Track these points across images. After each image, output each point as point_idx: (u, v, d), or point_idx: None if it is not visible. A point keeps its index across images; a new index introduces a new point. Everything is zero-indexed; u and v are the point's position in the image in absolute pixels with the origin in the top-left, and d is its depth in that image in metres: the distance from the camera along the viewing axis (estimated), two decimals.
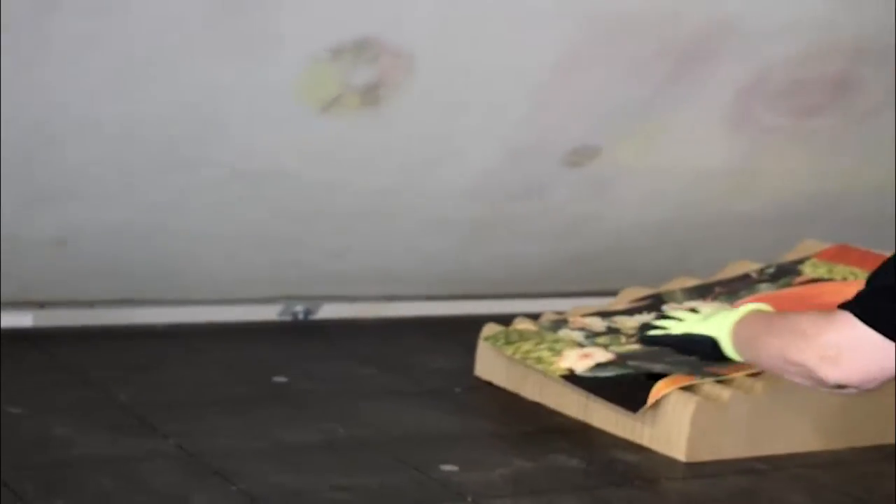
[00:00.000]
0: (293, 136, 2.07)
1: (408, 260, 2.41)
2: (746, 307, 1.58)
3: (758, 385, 1.82)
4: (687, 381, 1.83)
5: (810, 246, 2.37)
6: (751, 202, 2.49)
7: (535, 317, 2.21)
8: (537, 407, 1.99)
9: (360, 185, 2.21)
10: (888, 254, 2.30)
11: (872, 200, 2.58)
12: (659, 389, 1.82)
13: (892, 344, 1.26)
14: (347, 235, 2.30)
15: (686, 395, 1.79)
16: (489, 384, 2.10)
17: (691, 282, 2.29)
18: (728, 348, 1.56)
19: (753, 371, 1.84)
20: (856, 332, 1.28)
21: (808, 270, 2.28)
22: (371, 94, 1.99)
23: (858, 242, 2.37)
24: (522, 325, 2.14)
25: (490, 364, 2.12)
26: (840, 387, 1.31)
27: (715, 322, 1.65)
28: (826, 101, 2.36)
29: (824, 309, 2.09)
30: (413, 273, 2.44)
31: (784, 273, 2.29)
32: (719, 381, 1.84)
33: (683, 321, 1.77)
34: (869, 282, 1.33)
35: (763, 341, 1.44)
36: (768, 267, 2.33)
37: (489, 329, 2.14)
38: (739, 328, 1.53)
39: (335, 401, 1.96)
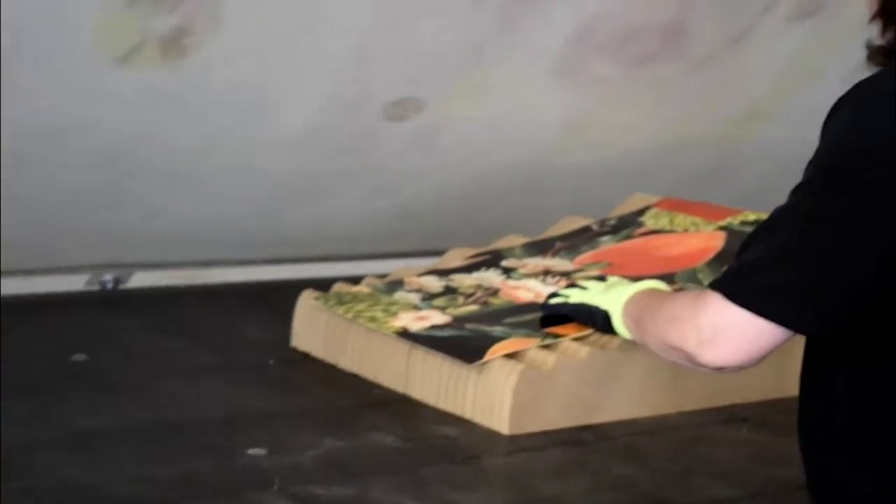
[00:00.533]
0: (91, 90, 1.91)
1: (222, 222, 2.27)
2: (642, 283, 1.51)
3: (583, 350, 1.73)
4: (527, 344, 1.74)
5: (638, 200, 2.30)
6: (583, 155, 2.40)
7: (357, 279, 2.10)
8: (355, 379, 1.89)
9: (169, 143, 2.06)
10: (729, 206, 2.28)
11: (708, 153, 2.52)
12: (498, 348, 1.73)
13: (765, 321, 1.19)
14: (158, 197, 2.16)
15: (509, 364, 1.70)
16: (306, 356, 1.99)
17: (523, 239, 2.20)
18: (619, 325, 1.49)
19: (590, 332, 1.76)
20: (727, 313, 1.20)
21: (649, 222, 2.21)
22: (174, 44, 1.84)
23: (693, 197, 2.31)
24: (355, 288, 2.03)
25: (307, 334, 2.00)
26: (721, 368, 1.24)
27: (611, 295, 1.57)
28: (659, 48, 2.28)
29: (665, 263, 2.05)
30: (229, 236, 2.31)
31: (625, 225, 2.21)
32: (544, 347, 1.75)
33: (586, 290, 1.67)
34: (737, 254, 1.25)
35: (647, 323, 1.37)
36: (609, 219, 2.26)
37: (310, 294, 2.03)
38: (629, 306, 1.46)
39: (138, 380, 1.83)
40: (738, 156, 2.64)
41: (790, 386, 1.90)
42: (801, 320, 1.19)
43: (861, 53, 2.55)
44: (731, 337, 1.22)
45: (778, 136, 2.61)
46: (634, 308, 1.47)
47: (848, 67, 2.52)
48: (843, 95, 1.23)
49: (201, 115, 2.04)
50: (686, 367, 1.29)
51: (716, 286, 1.23)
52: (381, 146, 2.21)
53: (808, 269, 1.17)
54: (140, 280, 2.33)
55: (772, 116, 2.56)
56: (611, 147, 2.46)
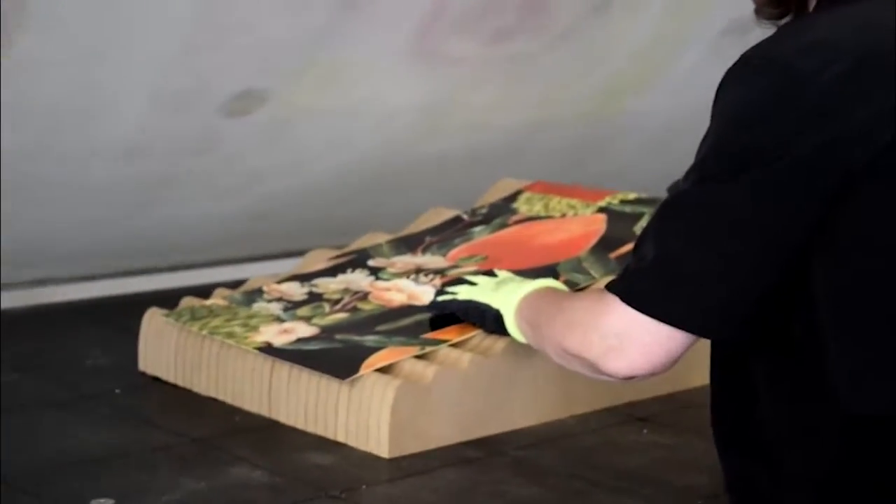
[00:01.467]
0: None
1: (54, 237, 2.05)
2: (537, 282, 1.40)
3: (465, 358, 1.56)
4: (404, 354, 1.57)
5: (507, 186, 2.14)
6: (443, 142, 2.23)
7: (210, 288, 1.91)
8: (213, 405, 1.69)
9: None
10: (602, 184, 2.12)
11: (575, 131, 2.36)
12: (376, 359, 1.55)
13: (668, 326, 1.07)
14: None
15: (384, 379, 1.52)
16: (156, 380, 1.79)
17: (388, 235, 2.02)
18: (511, 327, 1.41)
19: (473, 333, 1.59)
20: (627, 317, 1.09)
21: (523, 208, 2.05)
22: None
23: (565, 178, 2.16)
24: (209, 301, 1.83)
25: (156, 355, 1.80)
26: (630, 377, 1.11)
27: (503, 293, 1.47)
28: (517, 23, 2.11)
29: (546, 252, 1.89)
30: (62, 251, 2.08)
31: (497, 213, 2.04)
32: (421, 357, 1.58)
33: (476, 286, 1.53)
34: (634, 250, 1.12)
35: (543, 328, 1.27)
36: (480, 208, 2.09)
37: (157, 311, 1.82)
38: (524, 307, 1.38)
39: None
40: (607, 132, 2.50)
41: (687, 378, 1.77)
42: (707, 325, 1.09)
43: (724, 17, 2.42)
44: (637, 343, 1.12)
45: (646, 108, 2.48)
46: (529, 310, 1.36)
47: (713, 33, 2.41)
48: (734, 66, 1.10)
49: (17, 121, 1.81)
50: (588, 375, 1.17)
51: (613, 288, 1.11)
52: (224, 145, 2.01)
53: (707, 268, 1.07)
54: None
55: (639, 89, 2.43)
56: (474, 131, 2.30)
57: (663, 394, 1.73)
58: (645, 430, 1.60)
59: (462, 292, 1.58)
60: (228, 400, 1.69)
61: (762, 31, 2.44)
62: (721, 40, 2.37)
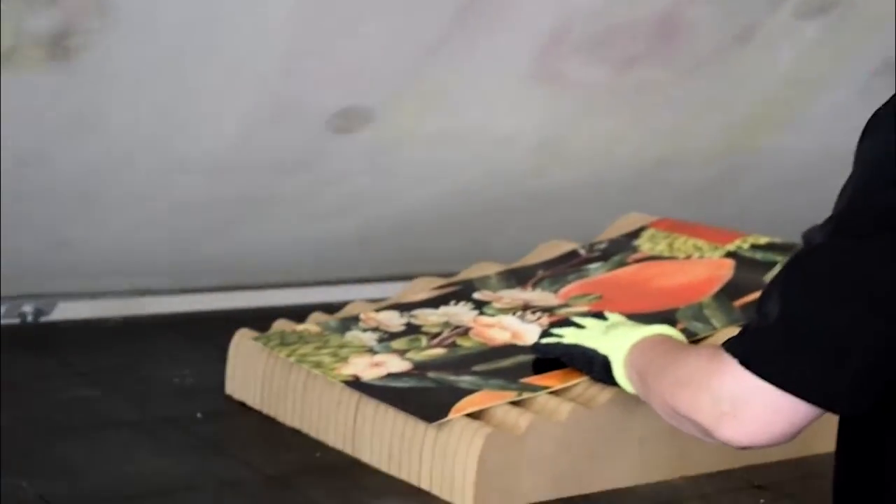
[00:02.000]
0: None
1: (149, 248, 1.97)
2: (651, 328, 1.29)
3: (564, 408, 1.43)
4: (499, 399, 1.44)
5: (631, 221, 1.99)
6: (560, 173, 2.09)
7: (305, 310, 1.80)
8: (296, 437, 1.58)
9: (70, 160, 1.76)
10: (730, 224, 1.97)
11: (705, 167, 2.21)
12: (468, 403, 1.43)
13: (790, 395, 0.97)
14: (66, 223, 1.85)
15: (474, 425, 1.40)
16: (242, 405, 1.69)
17: (499, 267, 1.90)
18: (620, 376, 1.30)
19: (578, 380, 1.46)
20: (745, 382, 0.99)
21: (645, 246, 1.90)
22: (59, 45, 1.53)
23: (691, 217, 2.01)
24: (301, 326, 1.73)
25: (243, 380, 1.70)
26: (746, 447, 0.99)
27: (613, 338, 1.36)
28: (646, 49, 1.96)
29: (665, 296, 1.76)
30: (157, 265, 2.00)
31: (618, 249, 1.90)
32: (517, 404, 1.45)
33: (584, 329, 1.42)
34: (758, 307, 1.00)
35: (652, 382, 1.17)
36: (598, 242, 1.95)
37: (247, 333, 1.73)
38: (634, 355, 1.28)
39: (32, 440, 1.52)
40: (739, 170, 2.34)
41: (814, 443, 1.61)
42: (834, 397, 0.97)
43: (876, 57, 2.23)
44: (753, 411, 1.00)
45: (783, 147, 2.31)
46: (640, 358, 1.24)
47: (862, 72, 2.23)
48: (881, 110, 0.97)
49: (101, 129, 1.73)
50: (699, 438, 1.04)
51: (731, 348, 0.98)
52: (325, 164, 1.90)
53: (838, 333, 0.95)
54: (63, 311, 2.03)
55: (776, 126, 2.26)
56: (594, 163, 2.16)
57: (789, 458, 1.57)
58: (762, 501, 1.44)
59: (569, 335, 1.46)
60: (312, 433, 1.58)
61: None
62: (871, 80, 2.21)
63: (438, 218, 2.07)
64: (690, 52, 2.02)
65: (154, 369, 1.82)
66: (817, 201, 2.53)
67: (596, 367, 1.37)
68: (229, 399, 1.70)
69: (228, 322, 1.83)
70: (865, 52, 2.20)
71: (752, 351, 0.98)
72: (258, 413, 1.66)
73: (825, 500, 1.45)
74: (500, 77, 1.89)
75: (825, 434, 1.60)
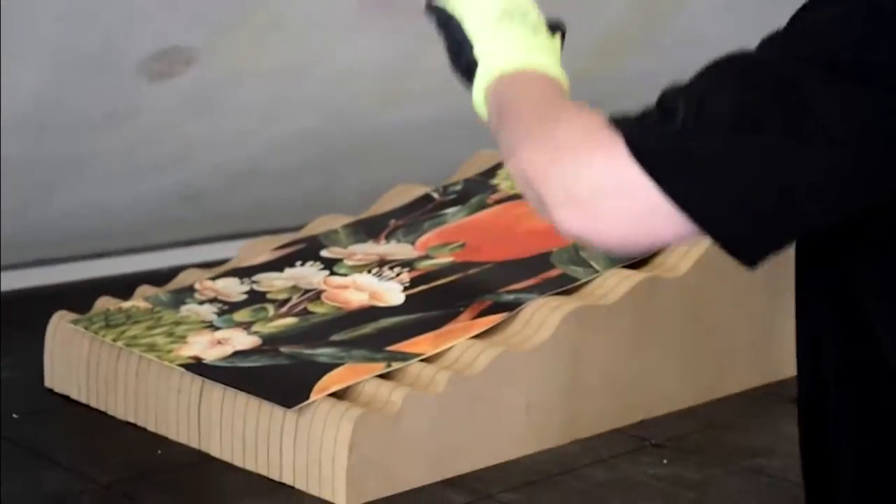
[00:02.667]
0: None
1: None
2: (545, 64, 0.97)
3: (440, 378, 1.25)
4: (366, 373, 1.25)
5: (485, 158, 1.82)
6: (407, 109, 1.89)
7: (135, 279, 1.59)
8: (132, 433, 1.37)
9: None
10: None
11: None
12: (330, 380, 1.24)
13: (671, 201, 0.76)
14: None
15: (341, 407, 1.21)
16: (66, 400, 1.47)
17: (345, 219, 1.71)
18: (478, 92, 0.98)
19: (451, 343, 1.29)
20: (624, 173, 0.78)
21: (504, 184, 1.72)
22: None
23: None
24: (128, 303, 1.52)
25: (64, 370, 1.48)
26: (581, 238, 0.80)
27: (497, 43, 0.99)
28: None
29: (535, 239, 1.57)
30: None
31: (475, 191, 1.72)
32: (385, 377, 1.26)
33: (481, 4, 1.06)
34: (663, 100, 0.80)
35: (509, 124, 0.91)
36: (453, 184, 1.76)
37: (65, 316, 1.50)
38: (505, 83, 0.96)
39: None
40: (597, 96, 2.17)
41: (708, 389, 1.48)
42: (735, 229, 0.78)
43: None
44: (618, 205, 0.79)
45: (646, 68, 2.16)
46: (508, 90, 0.94)
47: None
48: None
49: None
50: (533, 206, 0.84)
51: (624, 130, 0.78)
52: (143, 114, 1.66)
53: (773, 148, 0.76)
54: None
55: (636, 48, 2.11)
56: (442, 96, 1.96)
57: (682, 409, 1.43)
58: (665, 461, 1.29)
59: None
60: (150, 427, 1.38)
61: None
62: None
63: (275, 165, 1.86)
64: None
65: None
66: None
67: (461, 62, 1.03)
68: (51, 393, 1.48)
69: (49, 301, 1.61)
70: None
71: (649, 143, 0.77)
72: (85, 407, 1.44)
73: (731, 453, 1.31)
74: (335, 6, 1.69)
75: (715, 382, 1.48)
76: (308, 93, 1.79)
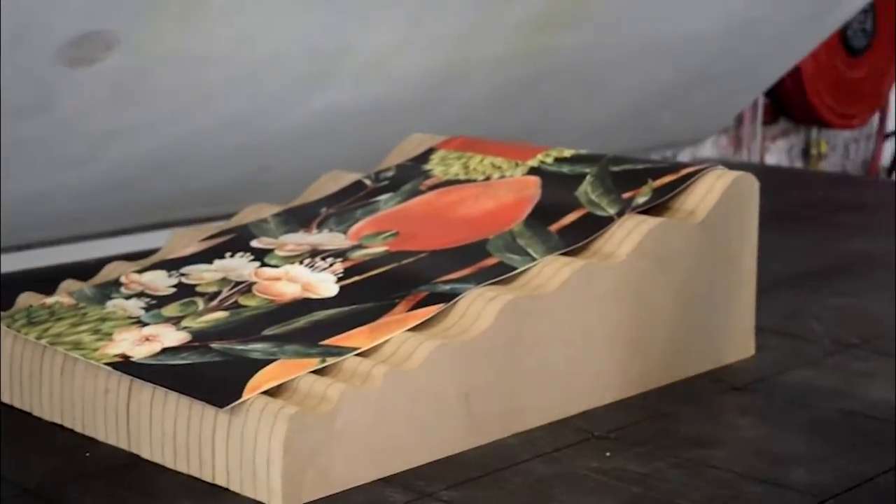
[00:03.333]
0: None
1: None
2: None
3: (377, 371, 1.21)
4: (302, 368, 1.22)
5: (417, 143, 1.78)
6: (333, 94, 1.85)
7: (55, 273, 1.54)
8: (58, 435, 1.33)
9: None
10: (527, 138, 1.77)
11: (494, 76, 2.00)
12: (263, 377, 1.20)
13: None
14: None
15: (274, 406, 1.17)
16: None
17: (275, 207, 1.67)
18: None
19: (388, 336, 1.26)
20: None
21: (437, 170, 1.69)
22: None
23: (484, 133, 1.81)
24: (52, 299, 1.47)
25: None
26: None
27: None
28: None
29: (471, 227, 1.54)
30: None
31: (407, 177, 1.68)
32: (320, 372, 1.23)
33: None
34: None
35: None
36: (385, 170, 1.72)
37: None
38: None
39: None
40: (531, 76, 2.15)
41: (645, 379, 1.46)
42: None
43: None
44: None
45: (574, 45, 2.13)
46: None
47: None
48: None
49: None
50: None
51: None
52: (64, 101, 1.61)
53: None
54: None
55: (563, 25, 2.08)
56: (374, 80, 1.93)
57: (624, 398, 1.41)
58: (608, 454, 1.27)
59: None
60: (78, 428, 1.33)
61: None
62: None
63: (200, 153, 1.80)
64: None
65: None
66: (621, 104, 2.38)
67: None
68: None
69: None
70: None
71: None
72: (8, 408, 1.39)
73: (676, 445, 1.29)
74: None
75: (658, 371, 1.45)
76: (235, 77, 1.74)
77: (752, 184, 1.53)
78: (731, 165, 1.59)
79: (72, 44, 1.52)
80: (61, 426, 1.34)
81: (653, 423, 1.35)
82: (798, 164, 4.25)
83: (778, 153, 4.15)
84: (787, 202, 2.45)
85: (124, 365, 1.28)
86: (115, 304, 1.43)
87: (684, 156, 3.04)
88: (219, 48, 1.69)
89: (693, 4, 2.16)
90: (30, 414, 1.38)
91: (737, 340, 1.55)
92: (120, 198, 1.83)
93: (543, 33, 2.00)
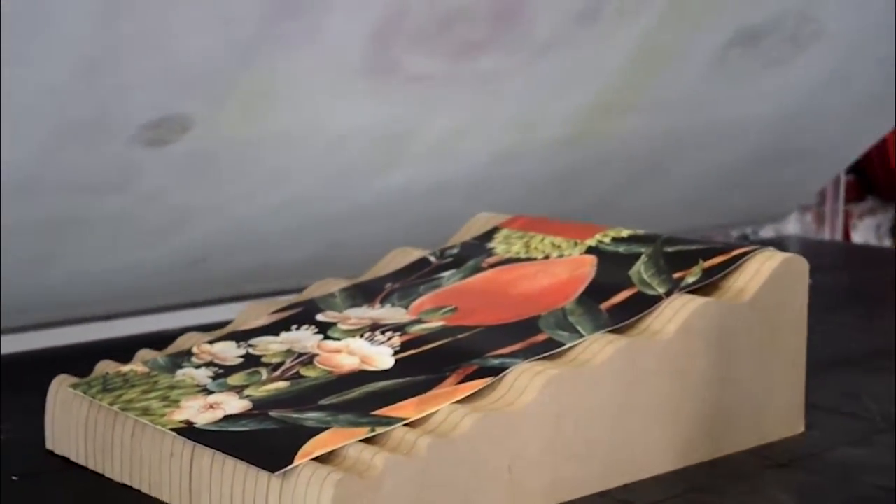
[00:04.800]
0: None
1: None
2: None
3: (422, 442, 1.27)
4: (352, 437, 1.28)
5: (483, 222, 1.85)
6: (405, 173, 1.93)
7: (132, 342, 1.63)
8: (126, 495, 1.41)
9: None
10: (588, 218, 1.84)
11: (550, 159, 2.07)
12: (314, 445, 1.27)
13: None
14: None
15: (322, 472, 1.24)
16: (66, 462, 1.50)
17: (343, 282, 1.74)
18: None
19: (436, 408, 1.32)
20: None
21: (500, 248, 1.76)
22: None
23: (547, 212, 1.87)
24: (127, 367, 1.55)
25: (64, 433, 1.52)
26: None
27: None
28: (486, 36, 1.81)
29: (526, 303, 1.61)
30: None
31: (470, 255, 1.76)
32: (369, 441, 1.29)
33: None
34: None
35: None
36: (450, 248, 1.80)
37: (65, 380, 1.54)
38: None
39: None
40: (595, 157, 2.21)
41: (687, 453, 1.50)
42: None
43: (731, 28, 2.10)
44: None
45: (634, 130, 2.19)
46: None
47: (715, 45, 2.13)
48: None
49: None
50: None
51: None
52: (141, 179, 1.71)
53: None
54: None
55: (625, 110, 2.14)
56: (440, 160, 2.00)
57: (666, 472, 1.45)
58: None
59: None
60: (145, 489, 1.41)
61: (774, 40, 2.15)
62: (726, 53, 2.10)
63: (270, 230, 1.89)
64: (532, 36, 1.88)
65: None
66: (683, 187, 2.42)
67: None
68: (51, 455, 1.52)
69: (54, 364, 1.64)
70: (716, 25, 2.09)
71: None
72: (83, 470, 1.48)
73: None
74: (329, 72, 1.73)
75: (701, 446, 1.49)
76: (304, 158, 1.83)
77: (802, 265, 1.57)
78: (812, 243, 1.63)
79: (148, 126, 1.62)
80: (130, 487, 1.42)
81: (694, 497, 1.39)
82: (887, 242, 4.24)
83: (865, 231, 4.15)
84: (867, 281, 2.47)
85: (188, 431, 1.36)
86: (185, 373, 1.51)
87: (766, 232, 3.07)
88: (287, 131, 1.77)
89: (760, 87, 2.21)
90: (102, 475, 1.45)
91: (785, 418, 1.58)
92: (194, 273, 1.92)
93: (607, 116, 2.07)
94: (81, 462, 1.49)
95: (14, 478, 1.45)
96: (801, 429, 1.59)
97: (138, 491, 1.41)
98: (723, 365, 1.50)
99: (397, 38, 1.73)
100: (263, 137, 1.75)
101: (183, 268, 1.89)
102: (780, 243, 2.80)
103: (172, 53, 1.56)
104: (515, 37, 1.85)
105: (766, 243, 2.83)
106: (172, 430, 1.37)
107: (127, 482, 1.43)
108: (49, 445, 1.53)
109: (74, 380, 1.53)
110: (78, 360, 1.60)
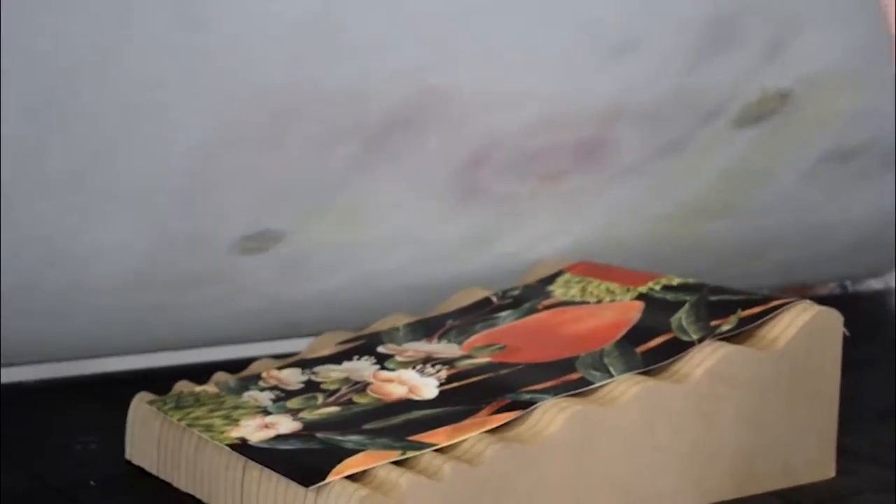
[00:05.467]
0: None
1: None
2: None
3: (447, 466, 1.39)
4: (384, 459, 1.40)
5: (549, 266, 1.96)
6: (485, 270, 2.07)
7: (214, 367, 1.78)
8: (187, 503, 1.55)
9: None
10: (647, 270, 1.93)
11: (638, 257, 2.16)
12: (348, 464, 1.39)
13: None
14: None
15: (349, 489, 1.36)
16: (141, 471, 1.65)
17: (409, 318, 1.87)
18: None
19: (466, 436, 1.43)
20: None
21: (558, 291, 1.87)
22: None
23: None
24: (201, 387, 1.70)
25: (141, 445, 1.67)
26: None
27: None
28: (572, 165, 1.95)
29: (569, 344, 1.71)
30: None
31: (530, 296, 1.87)
32: (400, 464, 1.41)
33: None
34: None
35: None
36: (512, 289, 1.91)
37: (144, 397, 1.69)
38: None
39: None
40: (681, 257, 2.27)
41: (793, 474, 1.58)
42: None
43: (820, 150, 2.15)
44: None
45: (726, 230, 2.26)
46: None
47: (802, 167, 2.19)
48: None
49: (14, 256, 1.73)
50: None
51: None
52: (242, 277, 1.91)
53: None
54: None
55: (718, 213, 2.22)
56: (522, 261, 2.11)
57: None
58: None
59: None
60: (205, 499, 1.55)
61: (865, 157, 2.22)
62: (815, 167, 2.15)
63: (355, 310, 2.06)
64: (616, 164, 1.99)
65: (61, 435, 1.79)
66: (771, 278, 2.48)
67: None
68: (129, 465, 1.67)
69: (145, 384, 1.80)
70: (808, 148, 2.15)
71: None
72: (154, 479, 1.62)
73: None
74: (417, 194, 1.89)
75: (722, 486, 1.57)
76: (391, 265, 2.00)
77: (835, 318, 1.64)
78: None
79: (245, 239, 1.83)
80: (193, 496, 1.56)
81: None
82: None
83: None
84: None
85: (241, 446, 1.49)
86: (250, 395, 1.65)
87: (872, 284, 3.06)
88: (376, 240, 1.95)
89: (846, 191, 2.24)
90: (170, 484, 1.60)
91: (815, 462, 1.65)
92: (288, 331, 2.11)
93: (695, 220, 2.15)
94: (154, 472, 1.63)
95: (92, 483, 1.60)
96: (832, 474, 1.66)
97: (199, 500, 1.55)
98: (749, 410, 1.58)
99: (484, 170, 1.89)
100: (347, 244, 1.94)
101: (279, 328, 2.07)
102: (879, 297, 2.83)
103: (271, 179, 1.77)
104: (599, 165, 1.97)
105: (864, 297, 2.86)
106: (228, 445, 1.50)
107: (190, 492, 1.56)
108: (128, 456, 1.68)
109: (152, 397, 1.68)
110: (168, 380, 1.75)
